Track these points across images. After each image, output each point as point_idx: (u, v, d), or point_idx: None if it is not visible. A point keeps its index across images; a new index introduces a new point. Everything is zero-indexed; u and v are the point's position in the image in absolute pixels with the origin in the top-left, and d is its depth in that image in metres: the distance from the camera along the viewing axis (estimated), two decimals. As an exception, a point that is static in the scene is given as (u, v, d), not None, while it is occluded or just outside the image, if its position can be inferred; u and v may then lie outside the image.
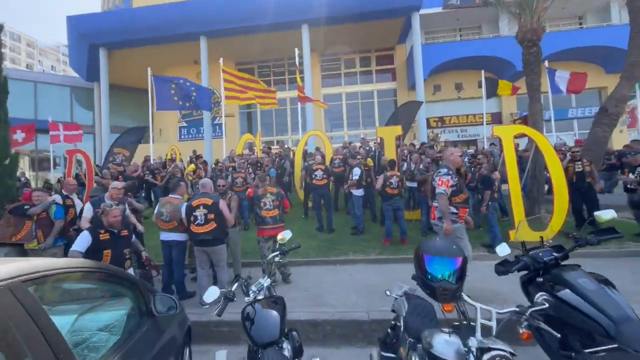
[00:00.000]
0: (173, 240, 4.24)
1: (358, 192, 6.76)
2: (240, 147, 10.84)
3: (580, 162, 5.88)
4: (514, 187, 5.37)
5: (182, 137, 18.96)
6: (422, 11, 14.98)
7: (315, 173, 6.97)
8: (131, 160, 10.46)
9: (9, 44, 58.27)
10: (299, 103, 10.98)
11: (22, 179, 10.32)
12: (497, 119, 17.23)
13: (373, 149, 9.61)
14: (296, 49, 11.08)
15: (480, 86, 14.30)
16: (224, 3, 14.50)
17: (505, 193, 6.04)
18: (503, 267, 2.35)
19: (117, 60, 16.44)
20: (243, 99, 9.87)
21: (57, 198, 4.77)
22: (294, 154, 9.68)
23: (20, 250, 4.54)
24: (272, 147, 13.93)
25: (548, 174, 5.54)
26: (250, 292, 2.17)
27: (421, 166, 7.30)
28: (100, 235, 3.17)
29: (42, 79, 20.81)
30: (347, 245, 6.14)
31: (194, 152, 10.99)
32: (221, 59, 10.26)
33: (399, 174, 6.17)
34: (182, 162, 10.54)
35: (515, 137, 6.68)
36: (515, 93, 11.92)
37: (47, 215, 4.49)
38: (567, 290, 1.97)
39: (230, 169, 8.41)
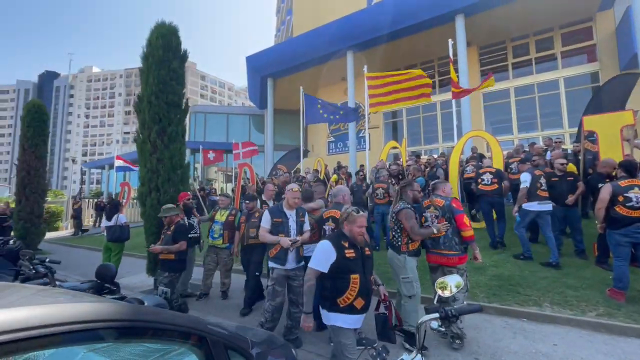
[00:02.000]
0: None
1: (532, 206, 4.80)
2: (385, 154, 9.97)
3: None
4: None
5: (330, 151, 19.85)
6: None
7: (482, 177, 5.47)
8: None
9: (218, 90, 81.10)
10: (453, 102, 9.16)
11: (207, 188, 12.89)
12: None
13: (570, 151, 6.86)
14: (450, 40, 9.40)
15: None
16: (370, 12, 14.33)
17: None
18: None
19: (280, 88, 18.86)
20: (387, 102, 8.99)
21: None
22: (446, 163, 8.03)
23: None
24: (421, 156, 12.45)
25: None
26: (388, 375, 1.32)
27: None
28: (346, 251, 2.15)
29: (231, 111, 26.82)
30: (537, 290, 4.09)
31: (338, 163, 10.91)
32: (365, 66, 9.84)
33: (643, 184, 3.72)
34: (324, 172, 10.58)
35: None
36: None
37: (233, 219, 4.95)
38: None
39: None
